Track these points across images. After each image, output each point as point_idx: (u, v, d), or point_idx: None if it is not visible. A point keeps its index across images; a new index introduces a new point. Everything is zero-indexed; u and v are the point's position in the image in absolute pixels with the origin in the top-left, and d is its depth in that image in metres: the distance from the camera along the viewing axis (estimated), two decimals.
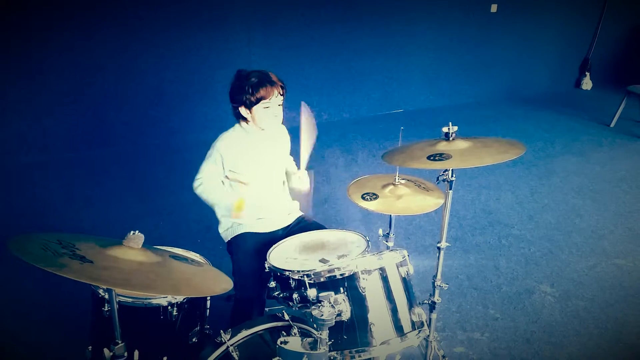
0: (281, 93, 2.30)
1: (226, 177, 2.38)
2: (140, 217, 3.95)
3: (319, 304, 1.60)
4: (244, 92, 2.24)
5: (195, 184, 2.36)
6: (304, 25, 5.87)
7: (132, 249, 1.47)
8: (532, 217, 4.02)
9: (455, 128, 1.87)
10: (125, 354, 1.53)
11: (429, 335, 2.11)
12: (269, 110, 2.28)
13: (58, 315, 2.79)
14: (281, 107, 2.33)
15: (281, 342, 1.60)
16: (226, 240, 2.48)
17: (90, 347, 1.93)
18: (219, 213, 2.47)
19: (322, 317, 1.54)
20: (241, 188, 2.37)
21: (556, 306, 2.97)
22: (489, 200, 4.31)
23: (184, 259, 1.60)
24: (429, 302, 2.11)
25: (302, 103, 2.32)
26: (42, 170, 4.80)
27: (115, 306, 1.47)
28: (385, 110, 6.84)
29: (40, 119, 4.95)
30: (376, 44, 6.40)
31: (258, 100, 2.25)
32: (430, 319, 2.09)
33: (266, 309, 2.42)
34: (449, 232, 2.52)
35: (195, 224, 3.73)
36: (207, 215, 2.87)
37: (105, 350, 1.52)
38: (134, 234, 1.51)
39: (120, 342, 1.51)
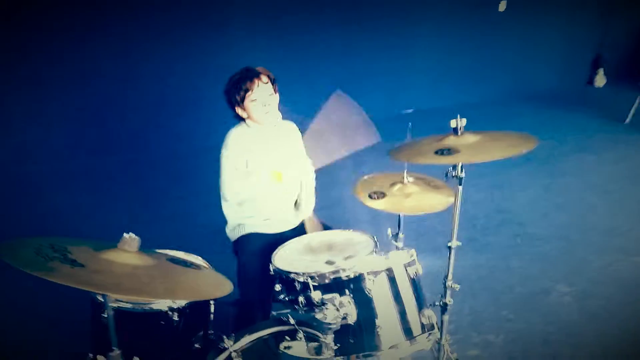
0: (266, 82, 2.26)
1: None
2: (147, 223, 3.90)
3: (323, 307, 1.53)
4: (231, 92, 2.26)
5: (224, 193, 2.36)
6: (308, 28, 5.81)
7: (127, 252, 1.41)
8: (546, 215, 3.92)
9: (464, 121, 1.79)
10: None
11: (440, 339, 2.02)
12: (257, 103, 2.26)
13: (58, 322, 2.74)
14: (273, 97, 2.30)
15: (284, 348, 1.53)
16: (232, 240, 2.43)
17: (90, 355, 1.89)
18: (226, 211, 2.43)
19: (326, 321, 1.47)
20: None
21: (574, 306, 2.87)
22: (501, 199, 4.22)
23: (182, 262, 1.54)
24: (441, 303, 2.03)
25: None
26: (47, 178, 4.73)
27: (111, 312, 1.42)
28: (392, 111, 6.74)
29: (43, 128, 4.91)
30: (382, 44, 6.32)
31: (245, 95, 2.23)
32: (441, 322, 2.00)
33: (274, 313, 2.35)
34: (460, 232, 2.39)
35: (202, 228, 3.68)
36: (215, 220, 2.81)
37: (100, 358, 1.46)
38: (129, 236, 1.45)
39: (116, 349, 1.45)
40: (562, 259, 3.34)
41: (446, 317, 2.02)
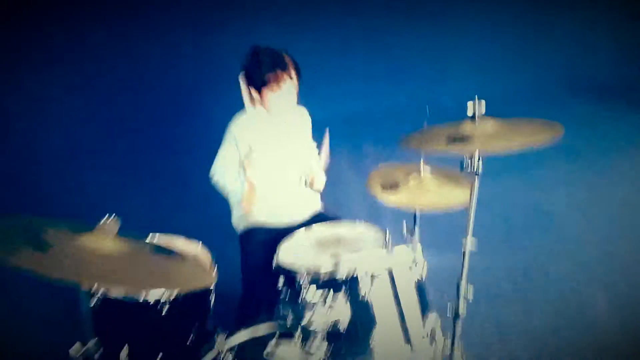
0: (292, 77, 2.11)
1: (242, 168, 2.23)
2: (154, 211, 3.87)
3: (313, 308, 1.39)
4: (253, 72, 2.11)
5: (212, 171, 2.26)
6: (333, 14, 5.64)
7: (104, 237, 1.32)
8: (589, 217, 3.63)
9: (483, 105, 1.59)
10: (101, 349, 1.39)
11: (453, 347, 1.84)
12: (276, 96, 2.11)
13: (51, 309, 2.72)
14: (293, 94, 2.15)
15: (270, 350, 1.41)
16: (238, 232, 2.33)
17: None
18: (232, 203, 2.33)
19: (314, 323, 1.34)
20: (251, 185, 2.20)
21: (613, 318, 2.62)
22: (540, 198, 3.96)
23: (165, 251, 1.44)
24: (452, 313, 1.84)
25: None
26: (47, 177, 4.59)
27: (87, 303, 1.34)
28: (428, 102, 6.47)
29: (44, 128, 4.88)
30: (419, 32, 6.07)
31: (266, 83, 2.08)
32: (454, 330, 1.82)
33: (279, 308, 2.23)
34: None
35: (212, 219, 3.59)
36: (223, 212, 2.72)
37: (77, 345, 1.38)
38: (108, 219, 1.36)
39: (94, 338, 1.37)
40: (604, 265, 3.07)
41: (459, 326, 1.83)
